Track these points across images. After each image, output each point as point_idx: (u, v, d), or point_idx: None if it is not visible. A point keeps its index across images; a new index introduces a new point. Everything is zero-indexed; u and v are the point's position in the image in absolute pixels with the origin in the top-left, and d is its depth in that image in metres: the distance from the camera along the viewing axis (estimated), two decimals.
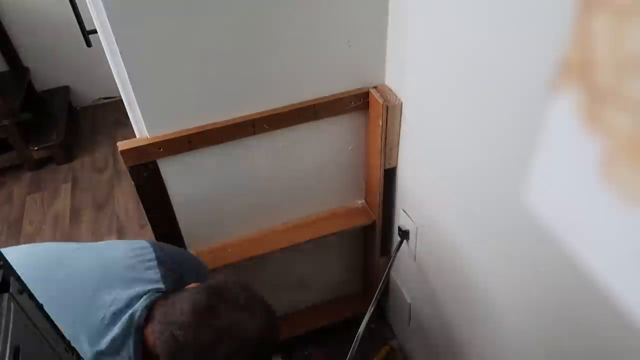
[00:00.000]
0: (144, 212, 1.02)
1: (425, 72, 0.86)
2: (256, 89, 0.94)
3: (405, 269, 1.22)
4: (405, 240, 1.14)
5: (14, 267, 0.80)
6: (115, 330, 0.76)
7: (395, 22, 0.92)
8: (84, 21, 1.75)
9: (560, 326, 0.68)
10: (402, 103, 0.97)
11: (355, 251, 1.38)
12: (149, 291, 0.80)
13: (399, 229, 1.15)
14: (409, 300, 1.26)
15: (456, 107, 0.78)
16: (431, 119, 0.88)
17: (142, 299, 0.78)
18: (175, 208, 1.04)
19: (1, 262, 0.38)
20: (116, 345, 0.76)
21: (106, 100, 2.74)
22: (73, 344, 0.70)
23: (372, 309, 0.98)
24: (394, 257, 1.13)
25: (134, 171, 0.94)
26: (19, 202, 2.16)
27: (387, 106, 0.96)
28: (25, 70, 2.49)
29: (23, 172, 2.32)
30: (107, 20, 0.76)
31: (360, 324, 0.96)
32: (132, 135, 0.95)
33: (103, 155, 2.41)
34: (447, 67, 0.78)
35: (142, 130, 0.92)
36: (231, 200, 1.08)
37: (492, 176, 0.74)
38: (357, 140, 1.11)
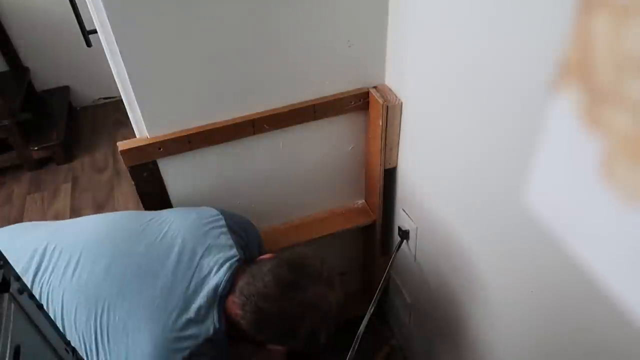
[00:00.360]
0: None
1: (425, 72, 0.86)
2: (256, 89, 0.94)
3: (405, 269, 1.22)
4: (405, 240, 1.14)
5: (89, 239, 0.83)
6: (199, 300, 0.78)
7: (395, 22, 0.92)
8: (84, 21, 1.75)
9: (560, 325, 0.68)
10: (402, 103, 0.97)
11: (355, 251, 1.38)
12: (228, 260, 0.82)
13: (399, 229, 1.15)
14: (409, 300, 1.26)
15: (456, 107, 0.78)
16: (431, 119, 0.88)
17: (222, 268, 0.81)
18: (175, 208, 1.04)
19: (1, 262, 0.38)
20: (202, 314, 0.78)
21: (106, 100, 2.74)
22: (158, 316, 0.75)
23: (372, 309, 0.98)
24: (394, 257, 1.13)
25: (134, 171, 0.94)
26: (19, 202, 2.16)
27: (387, 106, 0.96)
28: (25, 70, 2.49)
29: (23, 172, 2.32)
30: (107, 20, 0.76)
31: (360, 324, 0.96)
32: (132, 135, 0.95)
33: (103, 155, 2.41)
34: (447, 67, 0.78)
35: (142, 130, 0.92)
36: (231, 200, 1.08)
37: (492, 176, 0.74)
38: (357, 140, 1.11)
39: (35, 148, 2.26)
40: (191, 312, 0.77)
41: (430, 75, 0.84)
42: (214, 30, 0.83)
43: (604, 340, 0.59)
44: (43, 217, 2.07)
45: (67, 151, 2.38)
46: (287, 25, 0.87)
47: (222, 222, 0.88)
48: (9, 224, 2.07)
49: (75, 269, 0.80)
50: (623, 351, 0.56)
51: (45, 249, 0.84)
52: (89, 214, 2.04)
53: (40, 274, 0.81)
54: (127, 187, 2.18)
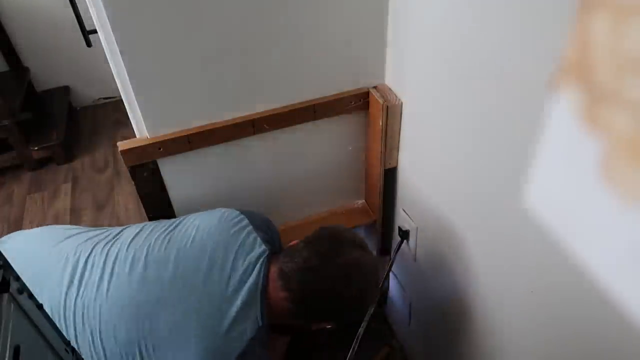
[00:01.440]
0: (144, 212, 1.02)
1: (425, 72, 0.86)
2: (256, 89, 0.94)
3: (405, 269, 1.22)
4: (405, 240, 1.14)
5: (120, 249, 0.86)
6: (240, 301, 0.79)
7: (395, 22, 0.92)
8: (84, 21, 1.75)
9: (560, 326, 0.68)
10: (402, 103, 0.97)
11: None
12: (259, 256, 0.84)
13: (399, 229, 1.15)
14: (409, 300, 1.26)
15: (456, 107, 0.78)
16: (431, 119, 0.88)
17: (257, 266, 0.82)
18: (175, 208, 1.04)
19: (1, 262, 0.38)
20: (244, 315, 0.79)
21: (106, 100, 2.75)
22: (203, 322, 0.76)
23: (372, 309, 0.98)
24: (394, 257, 1.13)
25: (134, 171, 0.94)
26: (19, 202, 2.16)
27: (387, 106, 0.96)
28: (25, 70, 2.49)
29: (23, 172, 2.32)
30: (107, 20, 0.76)
31: (360, 324, 0.96)
32: (132, 135, 0.95)
33: (103, 155, 2.41)
34: (447, 68, 0.78)
35: (142, 130, 0.92)
36: (231, 200, 1.08)
37: (492, 176, 0.74)
38: (357, 140, 1.11)
39: (35, 148, 2.26)
40: (233, 314, 0.78)
41: (430, 75, 0.84)
42: (214, 30, 0.83)
43: (604, 341, 0.59)
44: (43, 217, 2.07)
45: (67, 151, 2.38)
46: (287, 25, 0.87)
47: (246, 221, 0.89)
48: (9, 224, 2.09)
49: (109, 282, 0.80)
50: (623, 352, 0.56)
51: (77, 262, 0.83)
52: (89, 214, 2.06)
53: (74, 288, 0.80)
54: (127, 187, 2.18)
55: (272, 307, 0.83)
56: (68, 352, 0.46)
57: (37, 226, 2.01)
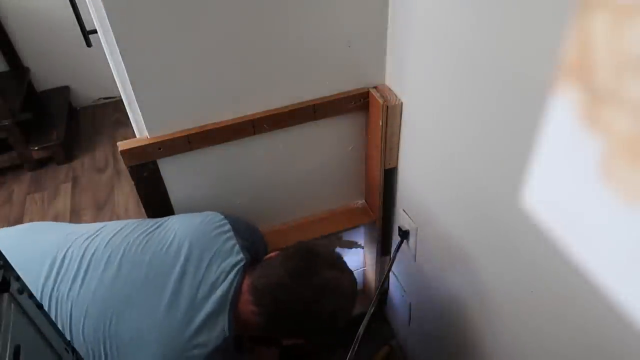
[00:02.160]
0: (144, 212, 1.02)
1: (425, 72, 0.86)
2: (256, 89, 0.94)
3: (405, 269, 1.22)
4: (405, 240, 1.14)
5: (98, 247, 0.84)
6: (208, 307, 0.78)
7: (395, 22, 0.92)
8: (84, 21, 1.75)
9: (560, 325, 0.68)
10: (402, 103, 0.97)
11: (355, 251, 1.38)
12: (235, 265, 0.82)
13: (399, 229, 1.15)
14: (409, 300, 1.26)
15: (456, 107, 0.79)
16: (431, 119, 0.88)
17: (230, 274, 0.81)
18: (175, 208, 1.04)
19: (1, 262, 0.38)
20: (211, 322, 0.78)
21: (106, 100, 2.75)
22: (167, 325, 0.75)
23: (372, 309, 0.98)
24: (394, 257, 1.13)
25: (134, 171, 0.94)
26: (19, 202, 2.16)
27: (387, 106, 0.96)
28: (25, 70, 2.49)
29: (23, 172, 2.32)
30: (107, 20, 0.76)
31: (360, 324, 0.96)
32: (132, 135, 0.95)
33: (103, 155, 2.41)
34: (447, 68, 0.78)
35: (142, 130, 0.92)
36: (231, 200, 1.08)
37: (491, 176, 0.74)
38: (357, 140, 1.11)
39: (36, 148, 2.26)
40: (200, 321, 0.77)
41: (430, 75, 0.84)
42: (214, 30, 0.83)
43: (603, 341, 0.59)
44: (43, 217, 2.07)
45: (67, 151, 2.38)
46: (287, 25, 0.87)
47: (228, 226, 0.88)
48: (9, 224, 2.08)
49: (83, 279, 0.80)
50: (623, 352, 0.56)
51: (55, 257, 0.83)
52: (89, 214, 2.06)
53: (50, 282, 0.80)
54: (127, 187, 2.18)
55: (241, 318, 0.82)
56: (68, 352, 0.46)
57: None
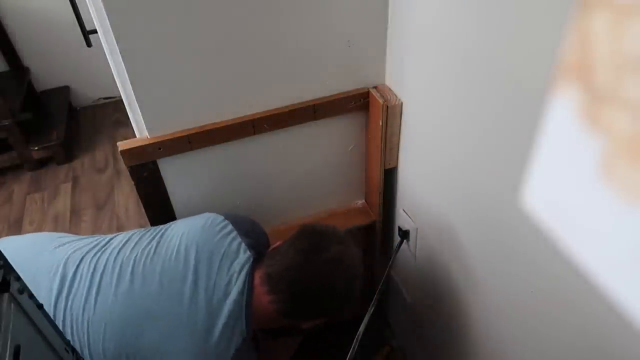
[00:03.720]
0: (144, 212, 1.02)
1: (425, 72, 0.86)
2: (256, 89, 0.94)
3: (405, 269, 1.22)
4: (405, 240, 1.14)
5: (108, 260, 0.85)
6: (226, 311, 0.79)
7: (395, 22, 0.92)
8: (84, 21, 1.75)
9: (560, 325, 0.68)
10: (402, 103, 0.97)
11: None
12: (244, 264, 0.83)
13: (399, 229, 1.15)
14: (409, 300, 1.26)
15: (456, 107, 0.79)
16: (431, 119, 0.88)
17: (241, 274, 0.82)
18: (175, 208, 1.04)
19: (1, 262, 0.38)
20: (230, 325, 0.79)
21: (106, 100, 2.74)
22: (190, 334, 0.76)
23: (372, 309, 0.98)
24: (394, 257, 1.13)
25: (134, 171, 0.94)
26: (19, 202, 2.16)
27: (387, 106, 0.96)
28: (25, 70, 2.49)
29: (23, 172, 2.32)
30: (107, 20, 0.76)
31: (360, 324, 0.96)
32: (132, 135, 0.95)
33: (103, 155, 2.41)
34: (446, 68, 0.78)
35: (142, 130, 0.92)
36: (231, 200, 1.08)
37: (491, 176, 0.74)
38: (357, 140, 1.11)
39: (36, 148, 2.26)
40: (221, 325, 0.78)
41: (430, 75, 0.84)
42: (214, 30, 0.83)
43: (603, 341, 0.59)
44: (43, 217, 2.07)
45: (67, 151, 2.38)
46: (287, 25, 0.87)
47: (230, 226, 0.88)
48: (9, 224, 2.09)
49: (97, 296, 0.79)
50: (623, 352, 0.56)
51: (65, 273, 0.82)
52: (89, 214, 2.06)
53: (62, 299, 0.80)
54: (127, 187, 2.18)
55: (259, 313, 0.83)
56: (68, 352, 0.46)
57: (37, 226, 2.03)
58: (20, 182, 2.27)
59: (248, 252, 0.85)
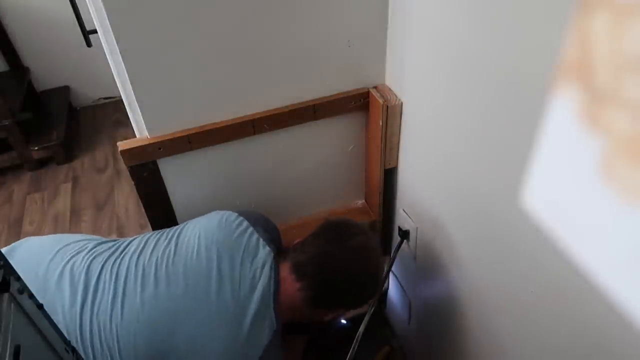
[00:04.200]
0: (144, 212, 1.02)
1: (425, 72, 0.86)
2: (256, 89, 0.94)
3: (405, 269, 1.22)
4: (405, 240, 1.14)
5: (130, 265, 0.86)
6: (253, 306, 0.79)
7: (395, 22, 0.92)
8: (84, 21, 1.75)
9: (560, 325, 0.68)
10: (402, 103, 0.97)
11: None
12: (266, 258, 0.85)
13: (399, 229, 1.15)
14: (409, 300, 1.26)
15: (456, 107, 0.79)
16: (431, 119, 0.88)
17: (265, 268, 0.83)
18: (175, 208, 1.04)
19: (1, 262, 0.38)
20: (259, 320, 0.79)
21: (106, 100, 2.74)
22: (223, 331, 0.77)
23: (372, 309, 0.98)
24: (394, 257, 1.13)
25: (134, 171, 0.94)
26: (19, 202, 2.16)
27: (387, 106, 0.96)
28: (25, 70, 2.49)
29: (23, 172, 2.32)
30: (107, 20, 0.76)
31: (360, 324, 0.96)
32: (132, 135, 0.95)
33: (103, 155, 2.41)
34: (447, 68, 0.78)
35: (142, 130, 0.92)
36: (231, 200, 1.09)
37: (491, 176, 0.74)
38: (357, 140, 1.11)
39: (36, 148, 2.26)
40: (249, 322, 0.78)
41: (430, 75, 0.84)
42: (214, 30, 0.83)
43: (603, 341, 0.59)
44: (43, 217, 2.07)
45: (67, 151, 2.38)
46: (287, 25, 0.87)
47: (246, 222, 0.89)
48: (9, 224, 2.09)
49: (123, 302, 0.79)
50: (623, 352, 0.56)
51: (88, 281, 0.82)
52: (89, 214, 2.06)
53: (87, 308, 0.80)
54: (127, 187, 2.18)
55: (287, 304, 0.84)
56: (68, 352, 0.46)
57: (37, 226, 2.02)
58: (20, 182, 2.27)
59: (267, 247, 0.86)
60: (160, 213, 1.02)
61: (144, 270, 0.83)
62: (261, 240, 0.87)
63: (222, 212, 0.92)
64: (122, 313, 0.79)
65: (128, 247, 0.89)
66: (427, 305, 1.17)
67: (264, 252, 0.85)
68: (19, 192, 2.21)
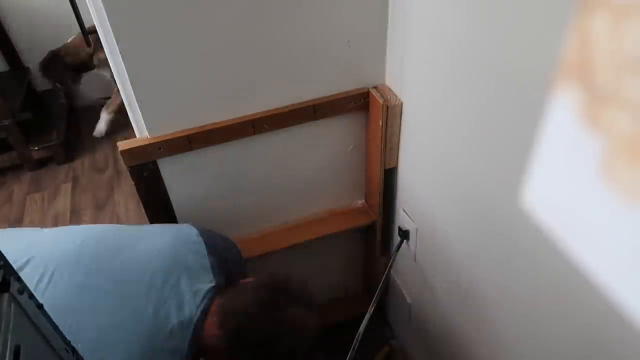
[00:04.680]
0: (144, 212, 1.02)
1: (426, 72, 0.86)
2: (256, 89, 0.94)
3: (405, 269, 1.22)
4: (405, 240, 1.14)
5: (67, 252, 0.81)
6: (171, 326, 0.77)
7: (395, 22, 0.92)
8: (84, 21, 1.75)
9: (559, 325, 0.68)
10: (402, 103, 0.97)
11: (356, 251, 1.38)
12: (204, 286, 0.81)
13: (399, 229, 1.15)
14: (409, 300, 1.26)
15: (456, 107, 0.79)
16: (431, 119, 0.88)
17: (198, 295, 0.80)
18: (175, 208, 1.04)
19: (1, 262, 0.38)
20: (172, 342, 0.76)
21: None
22: (130, 339, 0.73)
23: (372, 309, 0.98)
24: (394, 257, 1.13)
25: (134, 171, 0.94)
26: (19, 202, 2.16)
27: (387, 106, 0.96)
28: (25, 70, 2.49)
29: (23, 172, 2.32)
30: (107, 20, 0.76)
31: (360, 324, 0.96)
32: (132, 135, 0.95)
33: (103, 155, 2.41)
34: (447, 68, 0.78)
35: (142, 130, 0.92)
36: (231, 200, 1.09)
37: (491, 176, 0.74)
38: (357, 140, 1.11)
39: (36, 148, 2.26)
40: (161, 339, 0.75)
41: (430, 75, 0.84)
42: (214, 30, 0.83)
43: (604, 341, 0.59)
44: (43, 217, 2.07)
45: (67, 151, 2.38)
46: (287, 25, 0.87)
47: (202, 245, 0.86)
48: (9, 224, 2.08)
49: (48, 284, 0.77)
50: (623, 352, 0.56)
51: (20, 262, 0.80)
52: (89, 214, 2.06)
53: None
54: (127, 187, 2.18)
55: (204, 342, 0.80)
56: (68, 352, 0.46)
57: (37, 226, 2.02)
58: (20, 182, 2.27)
59: (212, 276, 0.83)
60: (160, 213, 1.02)
61: (80, 257, 0.80)
62: (209, 266, 0.84)
63: (186, 225, 0.90)
64: (43, 294, 0.76)
65: (78, 232, 0.87)
66: (427, 305, 1.17)
67: (206, 280, 0.82)
68: (19, 192, 2.21)
